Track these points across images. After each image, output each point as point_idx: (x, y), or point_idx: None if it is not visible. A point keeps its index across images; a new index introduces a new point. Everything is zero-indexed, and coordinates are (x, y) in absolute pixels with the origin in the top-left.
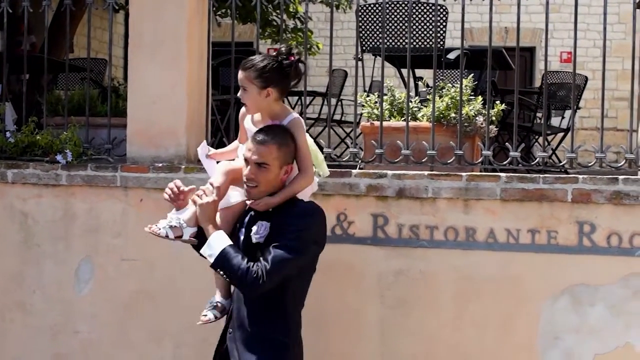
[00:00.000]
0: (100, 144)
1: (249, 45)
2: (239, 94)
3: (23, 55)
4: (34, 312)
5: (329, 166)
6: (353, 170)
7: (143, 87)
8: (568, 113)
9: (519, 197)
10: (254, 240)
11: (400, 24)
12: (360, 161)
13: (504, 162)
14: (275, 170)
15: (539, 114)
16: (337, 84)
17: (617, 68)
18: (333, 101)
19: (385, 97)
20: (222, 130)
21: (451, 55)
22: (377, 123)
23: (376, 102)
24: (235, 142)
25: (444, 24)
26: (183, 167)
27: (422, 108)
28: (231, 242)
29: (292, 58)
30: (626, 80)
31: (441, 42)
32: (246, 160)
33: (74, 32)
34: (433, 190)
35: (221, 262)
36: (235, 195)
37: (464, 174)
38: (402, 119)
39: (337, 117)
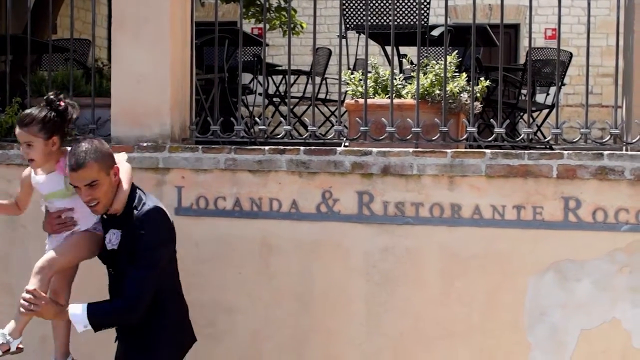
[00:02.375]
0: (84, 124)
1: (233, 25)
2: (21, 151)
3: (5, 37)
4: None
5: (313, 144)
6: (338, 148)
7: (127, 67)
8: (553, 89)
9: (504, 174)
10: (108, 248)
11: (384, 2)
12: (345, 139)
13: (489, 139)
14: (106, 179)
15: (523, 91)
16: (321, 62)
17: (601, 44)
18: (317, 80)
19: (369, 75)
20: (207, 109)
21: (435, 32)
22: (361, 100)
23: (360, 80)
24: (11, 201)
25: (428, 1)
26: (168, 146)
27: (406, 85)
28: (84, 303)
29: (62, 103)
30: (611, 56)
31: (425, 19)
32: (77, 187)
33: (57, 13)
34: (418, 167)
35: (96, 321)
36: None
37: (448, 150)
38: (387, 96)
39: (321, 95)
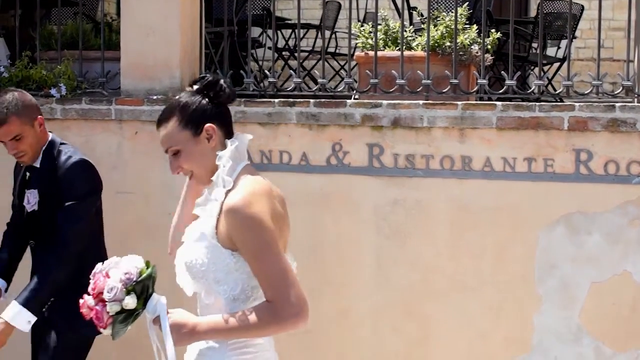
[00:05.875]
0: (94, 78)
1: None
2: None
3: None
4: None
5: (323, 97)
6: (348, 101)
7: (136, 20)
8: (564, 43)
9: (515, 126)
10: (28, 210)
11: None
12: (355, 91)
13: (500, 91)
14: (30, 131)
15: (534, 44)
16: (330, 16)
17: None
18: (327, 34)
19: (379, 27)
20: (216, 62)
21: None
22: (371, 53)
23: (370, 32)
24: None
25: None
26: None
27: (416, 37)
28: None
29: None
30: (622, 9)
31: None
32: (2, 142)
33: None
34: (428, 120)
35: (35, 303)
36: None
37: (459, 102)
38: (397, 48)
39: (331, 49)
